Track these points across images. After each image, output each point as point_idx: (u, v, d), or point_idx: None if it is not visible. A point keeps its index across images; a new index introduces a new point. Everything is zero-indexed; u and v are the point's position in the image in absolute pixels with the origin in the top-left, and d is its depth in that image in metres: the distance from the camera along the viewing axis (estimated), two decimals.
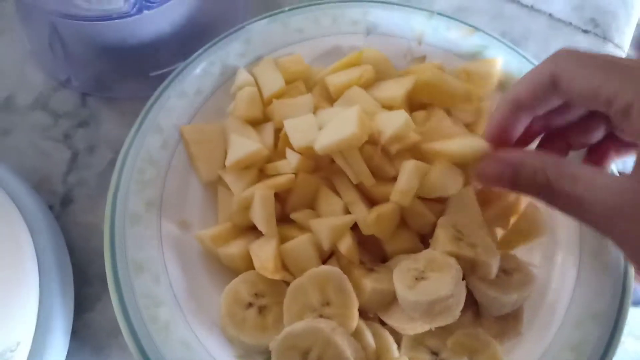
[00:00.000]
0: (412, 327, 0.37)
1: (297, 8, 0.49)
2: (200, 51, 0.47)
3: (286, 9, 0.49)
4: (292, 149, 0.41)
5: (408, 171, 0.39)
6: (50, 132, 0.50)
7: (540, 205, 0.44)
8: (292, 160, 0.41)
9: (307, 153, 0.41)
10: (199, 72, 0.46)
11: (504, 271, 0.39)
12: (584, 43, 0.60)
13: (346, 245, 0.38)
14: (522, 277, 0.38)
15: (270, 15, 0.49)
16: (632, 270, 0.40)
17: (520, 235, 0.43)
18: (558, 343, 0.38)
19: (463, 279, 0.36)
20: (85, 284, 0.43)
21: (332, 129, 0.39)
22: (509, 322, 0.39)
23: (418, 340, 0.38)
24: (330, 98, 0.46)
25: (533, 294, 0.40)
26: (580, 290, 0.40)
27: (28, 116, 0.50)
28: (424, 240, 0.42)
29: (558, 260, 0.42)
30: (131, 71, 0.51)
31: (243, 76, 0.46)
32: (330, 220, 0.39)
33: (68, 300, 0.39)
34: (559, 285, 0.41)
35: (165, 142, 0.42)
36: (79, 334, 0.41)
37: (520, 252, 0.43)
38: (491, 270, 0.37)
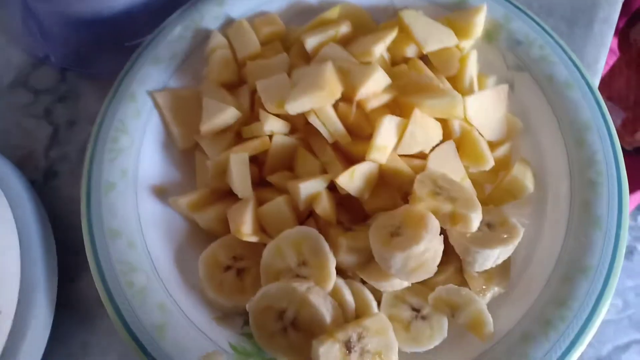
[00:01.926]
0: (391, 284, 0.36)
1: None
2: (173, 16, 0.46)
3: None
4: (266, 110, 0.40)
5: (384, 126, 0.38)
6: (30, 109, 0.50)
7: (532, 160, 0.43)
8: (265, 121, 0.40)
9: (281, 114, 0.40)
10: (172, 37, 0.45)
11: (487, 225, 0.38)
12: None
13: (322, 205, 0.38)
14: (507, 231, 0.37)
15: None
16: (626, 224, 0.38)
17: (507, 190, 0.42)
18: (544, 298, 0.37)
19: (441, 234, 0.35)
20: (71, 256, 0.43)
21: (302, 87, 0.38)
22: (493, 278, 0.38)
23: (398, 298, 0.37)
24: (308, 58, 0.45)
25: (522, 250, 0.38)
26: (569, 244, 0.38)
27: (8, 95, 0.51)
28: (406, 198, 0.41)
29: (548, 215, 0.41)
30: (108, 43, 0.50)
31: (217, 39, 0.45)
32: (305, 181, 0.38)
33: (51, 271, 0.40)
34: (548, 240, 0.39)
35: (138, 110, 0.42)
36: (65, 306, 0.41)
37: (511, 208, 0.42)
38: (472, 223, 0.35)
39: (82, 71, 0.51)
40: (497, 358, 0.35)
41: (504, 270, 0.38)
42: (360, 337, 0.33)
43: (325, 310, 0.34)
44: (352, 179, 0.38)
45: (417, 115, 0.38)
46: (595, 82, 0.50)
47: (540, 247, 0.40)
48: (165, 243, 0.39)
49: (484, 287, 0.37)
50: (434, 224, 0.35)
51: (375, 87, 0.39)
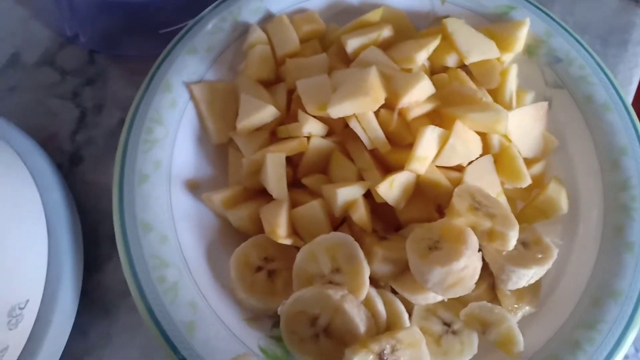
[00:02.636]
0: (424, 298, 0.36)
1: None
2: (211, 7, 0.45)
3: None
4: (305, 111, 0.39)
5: (426, 137, 0.37)
6: (57, 89, 0.49)
7: (565, 180, 0.42)
8: (304, 123, 0.39)
9: (320, 116, 0.39)
10: (210, 29, 0.44)
11: (522, 244, 0.38)
12: (612, 4, 0.56)
13: (359, 212, 0.37)
14: (541, 251, 0.37)
15: None
16: None
17: (540, 209, 0.42)
18: (573, 320, 0.37)
19: (479, 250, 0.35)
20: (95, 244, 0.43)
21: (346, 91, 0.38)
22: (525, 297, 0.38)
23: (430, 311, 0.37)
24: (347, 59, 0.44)
25: (552, 269, 0.38)
26: (600, 268, 0.38)
27: (34, 73, 0.49)
28: (440, 210, 0.40)
29: (579, 236, 0.41)
30: (140, 28, 0.49)
31: (256, 34, 0.44)
32: (342, 187, 0.37)
33: (78, 259, 0.39)
34: (578, 261, 0.39)
35: (174, 100, 0.41)
36: (89, 294, 0.41)
37: (541, 226, 0.41)
38: (509, 241, 0.35)
39: (112, 54, 0.50)
40: None
41: (535, 289, 0.38)
42: (393, 350, 0.33)
43: (360, 319, 0.34)
44: (391, 188, 0.37)
45: (459, 127, 0.38)
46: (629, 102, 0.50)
47: (571, 268, 0.40)
48: (197, 239, 0.38)
49: (515, 305, 0.37)
50: (474, 240, 0.35)
51: (419, 95, 0.38)
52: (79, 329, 0.39)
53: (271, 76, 0.43)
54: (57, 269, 0.37)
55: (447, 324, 0.37)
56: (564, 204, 0.41)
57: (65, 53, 0.50)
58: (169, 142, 0.40)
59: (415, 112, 0.39)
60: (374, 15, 0.45)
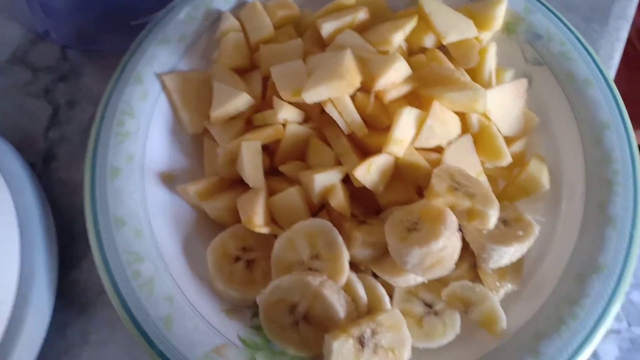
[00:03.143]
0: (405, 280, 0.35)
1: None
2: None
3: None
4: (280, 97, 0.39)
5: (403, 119, 0.37)
6: (29, 87, 0.48)
7: (547, 157, 0.42)
8: (279, 109, 0.38)
9: (296, 102, 0.38)
10: (182, 18, 0.43)
11: (503, 222, 0.37)
12: None
13: (337, 198, 0.37)
14: (523, 228, 0.37)
15: None
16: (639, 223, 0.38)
17: (522, 187, 0.41)
18: (557, 297, 0.36)
19: (460, 230, 0.34)
20: (70, 242, 0.42)
21: (320, 75, 0.37)
22: (507, 275, 0.37)
23: (411, 293, 0.36)
24: (322, 43, 0.43)
25: (534, 247, 0.38)
26: (583, 243, 0.38)
27: (6, 71, 0.48)
28: (420, 192, 0.40)
29: (562, 212, 0.40)
30: (112, 21, 0.48)
31: (229, 21, 0.43)
32: (319, 172, 0.37)
33: (52, 257, 0.38)
34: (561, 238, 0.39)
35: (146, 92, 0.40)
36: (65, 293, 0.40)
37: (523, 204, 0.41)
38: (489, 220, 0.35)
39: (85, 49, 0.49)
40: (509, 355, 0.34)
41: (517, 267, 0.38)
42: (373, 333, 0.33)
43: (339, 305, 0.33)
44: (368, 172, 0.37)
45: (437, 108, 0.37)
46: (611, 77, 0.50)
47: (554, 245, 0.39)
48: (173, 232, 0.38)
49: (497, 284, 0.37)
50: (453, 220, 0.34)
51: (395, 77, 0.37)
52: (57, 327, 0.39)
53: (245, 64, 0.43)
54: (30, 267, 0.36)
55: (429, 305, 0.36)
56: (545, 180, 0.40)
57: (36, 50, 0.49)
58: (142, 135, 0.39)
59: (392, 95, 0.38)
60: None
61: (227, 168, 0.39)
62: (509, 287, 0.37)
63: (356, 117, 0.38)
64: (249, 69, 0.43)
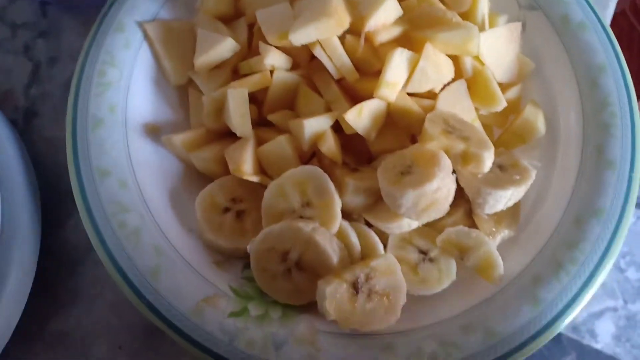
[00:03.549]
0: (399, 226, 0.35)
1: None
2: None
3: None
4: (267, 42, 0.37)
5: (395, 60, 0.35)
6: (8, 44, 0.46)
7: (543, 103, 0.41)
8: (266, 54, 0.37)
9: (283, 46, 0.37)
10: None
11: (499, 167, 0.36)
12: None
13: (328, 143, 0.35)
14: (519, 173, 0.36)
15: None
16: (639, 165, 0.37)
17: (518, 134, 0.40)
18: (555, 241, 0.36)
19: (453, 173, 0.33)
20: (57, 201, 0.41)
21: (308, 15, 0.35)
22: (503, 220, 0.37)
23: (406, 240, 0.36)
24: None
25: (532, 193, 0.37)
26: (581, 188, 0.37)
27: None
28: (414, 140, 0.39)
29: (559, 158, 0.39)
30: None
31: None
32: (309, 119, 0.36)
33: (34, 216, 0.37)
34: (559, 183, 0.38)
35: (128, 41, 0.38)
36: (52, 252, 0.39)
37: (520, 151, 0.40)
38: (484, 163, 0.34)
39: (65, 5, 0.47)
40: (507, 300, 0.34)
41: (513, 212, 0.37)
42: (367, 278, 0.32)
43: (332, 250, 0.32)
44: (360, 117, 0.35)
45: (429, 50, 0.36)
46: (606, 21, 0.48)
47: (551, 190, 0.38)
48: (159, 184, 0.36)
49: (493, 229, 0.36)
50: (447, 162, 0.33)
51: (385, 17, 0.36)
52: (46, 287, 0.38)
53: (230, 11, 0.41)
54: (12, 224, 0.35)
55: (424, 252, 0.35)
56: (541, 125, 0.40)
57: (15, 7, 0.48)
58: (124, 85, 0.38)
59: (382, 37, 0.37)
60: None
61: (214, 118, 0.38)
62: (505, 232, 0.36)
63: (346, 60, 0.36)
64: (233, 16, 0.41)
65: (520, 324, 0.33)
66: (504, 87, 0.41)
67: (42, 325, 0.38)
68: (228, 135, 0.38)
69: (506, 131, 0.40)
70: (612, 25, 0.67)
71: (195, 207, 0.36)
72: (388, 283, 0.32)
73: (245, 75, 0.39)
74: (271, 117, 0.38)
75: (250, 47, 0.40)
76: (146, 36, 0.39)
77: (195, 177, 0.38)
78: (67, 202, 0.41)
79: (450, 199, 0.33)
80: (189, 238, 0.36)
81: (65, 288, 0.39)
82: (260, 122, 0.39)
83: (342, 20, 0.35)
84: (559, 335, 0.39)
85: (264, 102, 0.39)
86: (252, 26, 0.40)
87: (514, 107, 0.41)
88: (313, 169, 0.34)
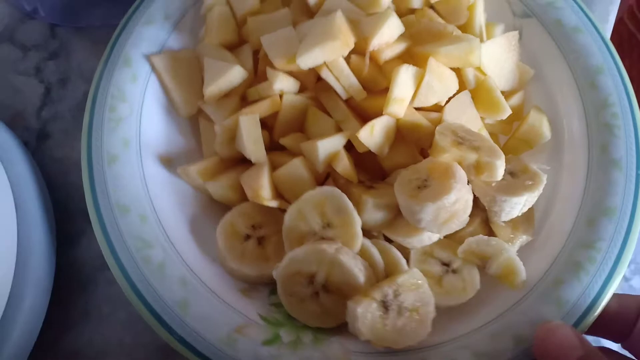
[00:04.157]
0: (419, 240, 0.35)
1: None
2: None
3: None
4: (273, 67, 0.38)
5: (401, 77, 0.36)
6: (19, 66, 0.48)
7: (545, 107, 0.42)
8: (274, 79, 0.37)
9: (290, 70, 0.38)
10: None
11: (510, 174, 0.37)
12: None
13: (342, 163, 0.36)
14: (530, 178, 0.36)
15: None
16: None
17: (524, 140, 0.41)
18: (571, 242, 0.36)
19: (468, 183, 0.34)
20: (67, 220, 0.41)
21: (313, 38, 0.36)
22: (520, 226, 0.37)
23: (427, 253, 0.36)
24: (310, 11, 0.42)
25: (543, 196, 0.38)
26: (591, 188, 0.38)
27: None
28: (424, 154, 0.39)
29: (566, 160, 0.40)
30: None
31: None
32: (323, 140, 0.36)
33: (50, 235, 0.38)
34: (568, 185, 0.39)
35: (135, 75, 0.39)
36: (65, 270, 0.40)
37: (527, 156, 0.41)
38: (497, 170, 0.34)
39: (73, 26, 0.49)
40: (531, 306, 0.34)
41: (529, 217, 0.38)
42: (396, 295, 0.32)
43: (358, 270, 0.33)
44: (372, 134, 0.36)
45: (433, 64, 0.37)
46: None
47: (561, 193, 0.39)
48: (178, 215, 0.37)
49: (511, 235, 0.37)
50: (462, 173, 0.34)
51: (389, 35, 0.37)
52: (58, 305, 0.38)
53: (234, 38, 0.41)
54: (28, 245, 0.36)
55: (446, 264, 0.36)
56: (546, 130, 0.40)
57: (25, 28, 0.49)
58: (135, 119, 0.38)
59: (386, 54, 0.38)
60: None
61: (227, 146, 0.38)
62: (523, 238, 0.37)
63: (353, 80, 0.37)
64: (237, 43, 0.42)
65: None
66: (506, 94, 0.42)
67: (55, 343, 0.38)
68: (242, 162, 0.39)
69: (512, 138, 0.41)
70: (612, 33, 0.68)
71: (216, 236, 0.36)
72: (416, 298, 0.32)
73: (254, 101, 0.39)
74: (283, 141, 0.38)
75: (257, 73, 0.41)
76: (153, 68, 0.40)
77: (212, 206, 0.38)
78: (79, 221, 0.42)
79: (469, 209, 0.33)
80: (213, 268, 0.36)
81: (78, 306, 0.39)
82: (272, 147, 0.39)
83: (347, 41, 0.36)
84: None
85: (274, 126, 0.39)
86: (257, 52, 0.41)
87: (517, 114, 0.42)
88: (331, 190, 0.35)
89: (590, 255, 0.35)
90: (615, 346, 0.35)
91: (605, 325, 0.34)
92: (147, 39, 0.40)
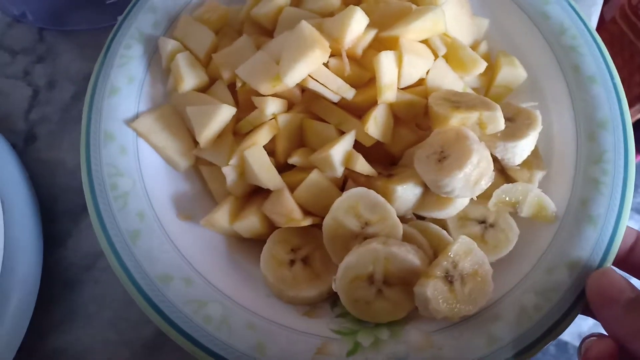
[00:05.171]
0: (453, 209, 0.36)
1: None
2: (107, 42, 0.41)
3: None
4: (258, 94, 0.38)
5: (384, 63, 0.37)
6: (8, 69, 0.48)
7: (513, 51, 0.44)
8: (264, 105, 0.37)
9: (276, 91, 0.38)
10: (121, 61, 0.40)
11: (508, 120, 0.39)
12: None
13: (360, 162, 0.36)
14: (527, 117, 0.38)
15: None
16: None
17: (504, 85, 0.43)
18: (582, 163, 0.38)
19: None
20: (54, 221, 0.42)
21: (291, 55, 0.36)
22: (532, 163, 0.39)
23: (462, 218, 0.37)
24: (267, 31, 0.43)
25: (541, 141, 0.39)
26: (579, 105, 0.40)
27: None
28: (422, 128, 0.41)
29: (546, 89, 0.42)
30: (86, 0, 0.47)
31: (169, 45, 0.41)
32: (335, 147, 0.36)
33: (36, 236, 0.39)
34: (557, 109, 0.41)
35: (123, 147, 0.38)
36: (50, 271, 0.40)
37: (512, 100, 0.43)
38: (499, 121, 0.36)
39: (61, 29, 0.49)
40: (570, 232, 0.36)
41: (535, 154, 0.40)
42: (455, 265, 0.33)
43: (412, 255, 0.33)
44: (376, 125, 0.37)
45: (405, 42, 0.38)
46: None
47: (555, 121, 0.41)
48: (221, 265, 0.36)
49: (529, 175, 0.39)
50: (472, 134, 0.35)
51: (358, 29, 0.37)
52: (45, 305, 0.39)
53: (204, 79, 0.41)
54: (14, 245, 0.36)
55: (483, 222, 0.37)
56: (521, 70, 0.43)
57: (13, 33, 0.50)
58: (140, 188, 0.37)
59: (360, 47, 0.38)
60: None
61: (239, 184, 0.38)
62: (539, 174, 0.39)
63: (340, 82, 0.38)
64: (208, 84, 0.41)
65: (590, 245, 0.35)
66: (473, 48, 0.43)
67: (42, 341, 0.39)
68: (256, 194, 0.39)
69: (492, 87, 0.43)
70: (603, 32, 0.70)
71: (263, 274, 0.36)
72: (472, 261, 0.34)
73: (247, 132, 0.39)
74: (292, 160, 0.38)
75: (238, 105, 0.40)
76: (139, 134, 0.38)
77: (243, 244, 0.38)
78: (65, 222, 0.43)
79: (492, 164, 0.35)
80: (272, 303, 0.35)
81: (64, 305, 0.40)
82: (280, 169, 0.39)
83: (324, 47, 0.36)
84: (565, 343, 0.41)
85: (276, 149, 0.39)
86: (232, 86, 0.40)
87: (489, 62, 0.44)
88: (358, 190, 0.35)
89: (603, 167, 0.37)
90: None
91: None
92: (118, 107, 0.38)
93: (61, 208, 0.43)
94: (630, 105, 0.62)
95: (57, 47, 0.49)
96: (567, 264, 0.35)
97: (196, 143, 0.40)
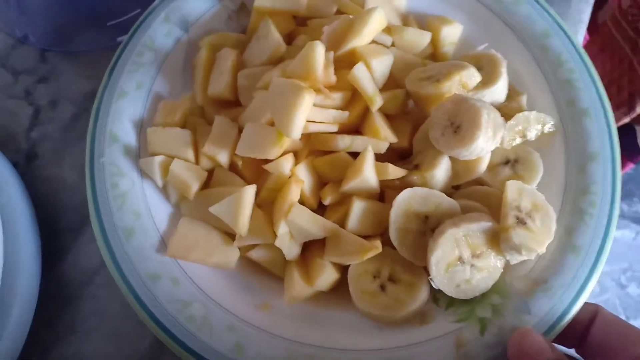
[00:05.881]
0: (483, 164, 0.39)
1: None
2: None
3: None
4: (263, 162, 0.38)
5: (361, 76, 0.38)
6: (10, 90, 0.48)
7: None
8: (279, 168, 0.38)
9: (285, 148, 0.38)
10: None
11: (478, 70, 0.42)
12: None
13: (391, 169, 0.38)
14: (492, 60, 0.42)
15: None
16: None
17: (448, 42, 0.46)
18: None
19: None
20: (54, 237, 0.43)
21: (284, 110, 0.36)
22: (513, 93, 0.43)
23: (491, 169, 0.40)
24: (231, 102, 0.43)
25: None
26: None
27: None
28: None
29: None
30: (88, 22, 0.49)
31: (154, 162, 0.39)
32: (362, 174, 0.37)
33: (35, 253, 0.39)
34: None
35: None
36: (50, 286, 0.41)
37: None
38: (476, 74, 0.39)
39: (63, 51, 0.49)
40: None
41: (509, 87, 0.43)
42: (518, 208, 0.36)
43: (484, 220, 0.36)
44: (385, 130, 0.39)
45: (364, 49, 0.40)
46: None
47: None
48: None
49: (517, 105, 0.43)
50: (467, 96, 0.38)
51: (322, 60, 0.38)
52: (44, 319, 0.40)
53: (204, 176, 0.40)
54: (13, 262, 0.37)
55: (507, 162, 0.41)
56: (455, 24, 0.46)
57: (16, 54, 0.49)
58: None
59: (331, 75, 0.39)
60: (202, 54, 0.44)
61: (294, 248, 0.38)
62: (523, 98, 0.43)
63: (333, 112, 0.39)
64: (208, 177, 0.41)
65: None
66: (404, 24, 0.46)
67: (42, 355, 0.40)
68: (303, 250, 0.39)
69: (439, 50, 0.47)
70: (596, 35, 0.71)
71: (365, 311, 0.37)
72: (527, 197, 0.37)
73: (272, 199, 0.39)
74: (327, 202, 0.39)
75: (247, 181, 0.40)
76: (177, 259, 0.38)
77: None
78: (65, 238, 0.43)
79: (496, 110, 0.38)
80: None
81: (64, 320, 0.41)
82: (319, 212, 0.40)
83: (307, 89, 0.37)
84: None
85: (305, 200, 0.39)
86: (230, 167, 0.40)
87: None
88: (401, 196, 0.37)
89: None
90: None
91: (562, 332, 0.35)
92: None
93: (61, 224, 0.44)
94: (618, 108, 0.66)
95: (59, 67, 0.50)
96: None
97: (230, 235, 0.39)
